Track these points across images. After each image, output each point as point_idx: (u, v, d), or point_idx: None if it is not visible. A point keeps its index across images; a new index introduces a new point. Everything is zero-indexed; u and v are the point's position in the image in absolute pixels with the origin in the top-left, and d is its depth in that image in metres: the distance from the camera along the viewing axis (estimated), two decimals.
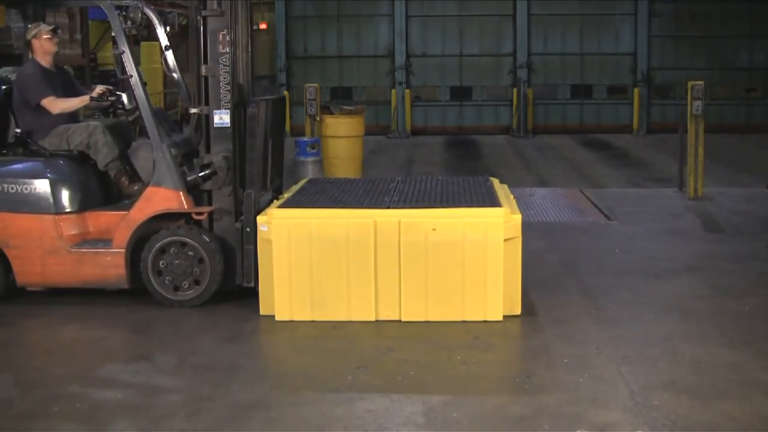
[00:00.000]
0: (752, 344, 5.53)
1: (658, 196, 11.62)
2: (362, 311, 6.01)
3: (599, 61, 29.07)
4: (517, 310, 6.08)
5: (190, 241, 6.35)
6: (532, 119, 28.63)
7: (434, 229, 5.95)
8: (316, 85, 14.48)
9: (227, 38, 6.31)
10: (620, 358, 5.27)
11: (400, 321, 6.00)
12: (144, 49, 24.01)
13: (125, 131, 7.14)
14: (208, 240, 6.35)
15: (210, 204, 6.50)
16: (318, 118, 13.98)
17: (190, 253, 6.36)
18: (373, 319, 6.00)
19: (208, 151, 6.43)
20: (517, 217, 6.04)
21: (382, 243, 5.97)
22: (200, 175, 6.40)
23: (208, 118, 6.41)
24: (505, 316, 6.00)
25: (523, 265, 6.12)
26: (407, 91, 29.08)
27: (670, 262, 7.74)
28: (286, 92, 29.45)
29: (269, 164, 6.68)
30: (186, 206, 6.39)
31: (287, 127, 29.71)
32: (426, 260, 5.95)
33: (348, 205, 6.20)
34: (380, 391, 4.79)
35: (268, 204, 6.88)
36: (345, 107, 15.06)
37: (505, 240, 5.96)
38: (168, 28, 7.12)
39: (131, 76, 6.52)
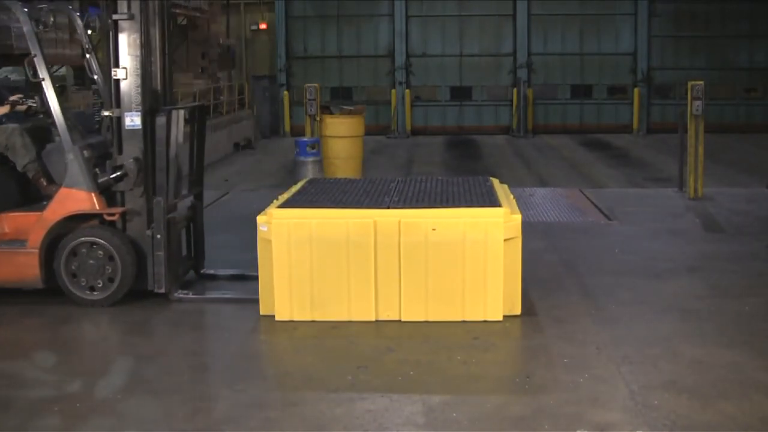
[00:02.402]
0: (752, 344, 5.53)
1: (658, 196, 11.62)
2: (362, 311, 6.01)
3: (599, 61, 29.09)
4: (517, 310, 6.07)
5: (100, 241, 6.42)
6: (532, 119, 28.64)
7: (434, 229, 5.95)
8: (316, 85, 14.49)
9: (138, 42, 6.38)
10: (620, 358, 5.27)
11: (400, 321, 6.00)
12: None
13: (46, 133, 7.16)
14: (119, 240, 6.42)
15: (123, 205, 6.57)
16: (318, 118, 13.98)
17: (102, 253, 6.42)
18: (373, 319, 6.00)
19: (120, 153, 6.52)
20: (517, 217, 6.04)
21: (382, 243, 5.96)
22: (112, 176, 6.49)
23: (120, 121, 6.48)
24: (505, 316, 6.00)
25: (523, 265, 6.11)
26: (407, 91, 29.09)
27: (670, 262, 7.73)
28: (285, 92, 29.50)
29: (181, 172, 6.77)
30: (98, 207, 6.48)
31: (287, 127, 29.82)
32: (426, 260, 5.95)
33: (348, 205, 6.20)
34: (380, 391, 4.79)
35: (187, 211, 7.05)
36: (345, 107, 15.06)
37: (505, 240, 5.96)
38: (89, 32, 7.14)
39: (43, 79, 6.56)
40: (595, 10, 28.92)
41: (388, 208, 6.11)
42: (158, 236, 6.38)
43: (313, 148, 11.91)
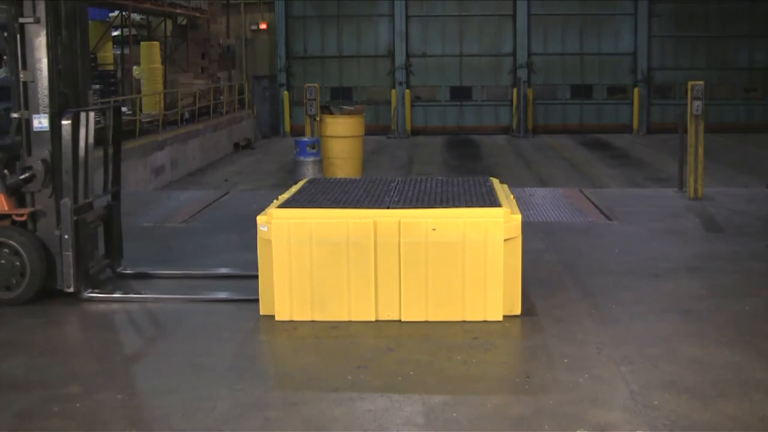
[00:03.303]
0: (752, 344, 5.53)
1: (658, 196, 11.62)
2: (362, 311, 6.01)
3: (599, 61, 29.11)
4: (517, 310, 6.07)
5: (8, 241, 6.46)
6: (532, 119, 28.66)
7: (434, 229, 5.94)
8: (316, 85, 14.51)
9: (44, 44, 6.43)
10: (620, 358, 5.27)
11: (400, 321, 6.00)
12: (144, 49, 24.02)
13: None
14: (27, 240, 6.47)
15: (34, 206, 6.63)
16: (318, 118, 13.99)
17: (10, 253, 6.46)
18: (373, 319, 6.00)
19: (29, 154, 6.58)
20: (517, 217, 6.04)
21: (382, 243, 5.96)
22: (21, 178, 6.55)
23: (29, 122, 6.54)
24: (505, 316, 6.00)
25: (523, 265, 6.11)
26: (407, 91, 29.10)
27: (670, 262, 7.73)
28: (285, 92, 29.46)
29: (91, 173, 6.82)
30: (6, 208, 6.55)
31: (287, 127, 29.78)
32: (426, 260, 5.95)
33: (348, 205, 6.20)
34: (380, 391, 4.79)
35: (103, 210, 7.09)
36: (345, 107, 15.09)
37: (505, 240, 5.96)
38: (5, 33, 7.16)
39: None
40: (595, 10, 28.94)
41: (388, 208, 6.11)
42: (66, 236, 6.45)
43: (313, 148, 11.92)
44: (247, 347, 5.74)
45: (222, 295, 6.69)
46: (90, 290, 6.64)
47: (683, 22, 28.67)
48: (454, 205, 6.10)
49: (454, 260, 5.94)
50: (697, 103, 11.20)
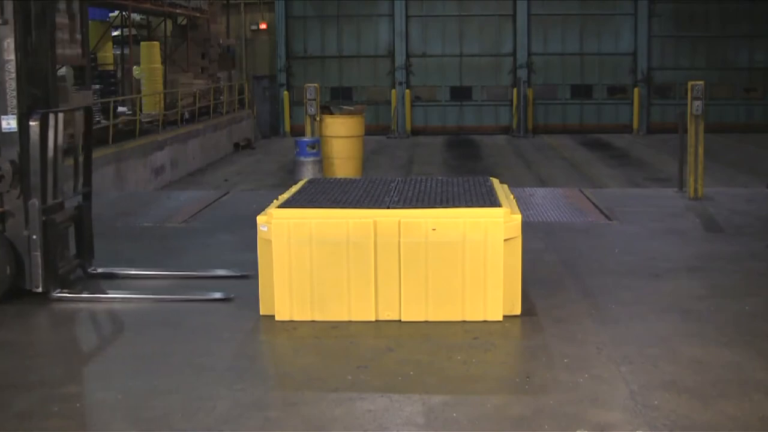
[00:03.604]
0: (752, 344, 5.53)
1: (658, 196, 11.62)
2: (362, 311, 6.01)
3: (599, 61, 29.13)
4: (517, 310, 6.07)
5: None
6: (532, 119, 28.67)
7: (434, 229, 5.95)
8: (316, 85, 14.52)
9: (12, 46, 6.45)
10: (620, 358, 5.27)
11: (400, 321, 6.00)
12: (144, 49, 24.04)
13: None
14: None
15: (2, 206, 6.66)
16: (318, 118, 14.00)
17: None
18: (373, 319, 6.00)
19: None
20: (517, 217, 6.04)
21: (382, 243, 5.96)
22: None
23: None
24: (505, 316, 6.00)
25: (523, 265, 6.11)
26: (407, 91, 29.11)
27: (670, 262, 7.73)
28: (285, 92, 29.46)
29: (60, 174, 6.86)
30: None
31: (287, 127, 29.77)
32: (426, 260, 5.95)
33: (348, 205, 6.20)
34: (380, 391, 4.79)
35: (73, 211, 7.12)
36: (345, 107, 15.10)
37: (505, 240, 5.96)
38: None
39: None
40: (595, 10, 28.96)
41: (388, 208, 6.11)
42: (34, 237, 6.49)
43: (313, 148, 11.93)
44: (247, 347, 5.74)
45: (195, 295, 6.70)
46: (59, 290, 6.65)
47: (683, 22, 28.69)
48: (454, 205, 6.11)
49: (454, 260, 5.94)
50: (697, 103, 11.19)
